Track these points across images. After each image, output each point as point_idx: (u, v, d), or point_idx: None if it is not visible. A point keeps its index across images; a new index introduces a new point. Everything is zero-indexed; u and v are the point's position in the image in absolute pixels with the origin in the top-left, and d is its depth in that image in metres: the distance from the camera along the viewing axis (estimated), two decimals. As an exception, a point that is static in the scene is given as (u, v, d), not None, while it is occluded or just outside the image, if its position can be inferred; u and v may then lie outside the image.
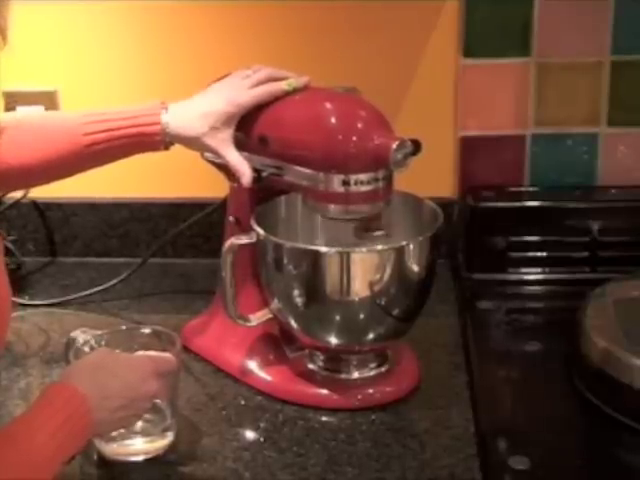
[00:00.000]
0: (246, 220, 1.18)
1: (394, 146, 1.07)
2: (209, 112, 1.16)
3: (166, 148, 1.19)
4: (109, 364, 0.99)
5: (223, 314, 1.18)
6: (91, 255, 1.58)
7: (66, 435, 0.89)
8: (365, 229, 1.14)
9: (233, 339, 1.24)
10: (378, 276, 1.11)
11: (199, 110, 1.17)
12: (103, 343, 1.10)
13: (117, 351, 1.06)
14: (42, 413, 0.90)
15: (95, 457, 1.08)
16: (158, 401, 1.08)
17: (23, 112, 1.49)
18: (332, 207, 1.12)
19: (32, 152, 1.17)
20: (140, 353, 1.08)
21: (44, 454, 0.87)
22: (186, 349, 1.23)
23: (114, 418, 0.97)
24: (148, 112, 1.17)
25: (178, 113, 1.17)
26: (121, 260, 1.53)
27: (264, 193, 1.20)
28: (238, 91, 1.17)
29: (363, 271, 1.12)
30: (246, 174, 1.16)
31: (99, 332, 1.13)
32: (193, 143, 1.18)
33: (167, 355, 1.06)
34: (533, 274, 1.43)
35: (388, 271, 1.11)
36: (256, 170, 1.17)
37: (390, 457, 1.06)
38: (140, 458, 1.07)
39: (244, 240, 1.15)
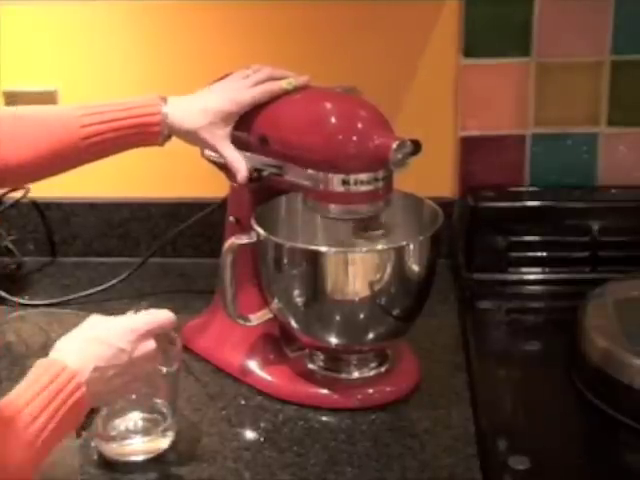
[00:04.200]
0: (246, 220, 1.18)
1: (394, 146, 1.07)
2: (209, 108, 1.16)
3: (163, 142, 1.18)
4: (99, 333, 0.97)
5: (223, 314, 1.18)
6: (91, 255, 1.58)
7: (56, 410, 0.88)
8: (364, 229, 1.14)
9: (233, 339, 1.24)
10: (378, 276, 1.11)
11: (199, 105, 1.17)
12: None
13: (109, 317, 1.02)
14: (29, 389, 0.89)
15: (95, 457, 1.08)
16: (158, 401, 1.09)
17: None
18: (332, 207, 1.12)
19: (29, 145, 1.15)
20: (131, 313, 1.03)
21: (33, 430, 0.86)
22: (186, 349, 1.23)
23: (111, 387, 0.95)
24: (147, 103, 1.17)
25: (178, 106, 1.17)
26: (121, 260, 1.53)
27: (264, 193, 1.20)
28: (238, 90, 1.17)
29: (363, 271, 1.12)
30: (241, 171, 1.16)
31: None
32: (190, 136, 1.17)
33: (163, 311, 1.02)
34: (533, 274, 1.43)
35: (388, 271, 1.11)
36: (257, 170, 1.17)
37: (390, 457, 1.06)
38: (140, 458, 1.07)
39: (244, 240, 1.15)
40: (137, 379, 1.00)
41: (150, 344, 0.99)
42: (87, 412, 0.94)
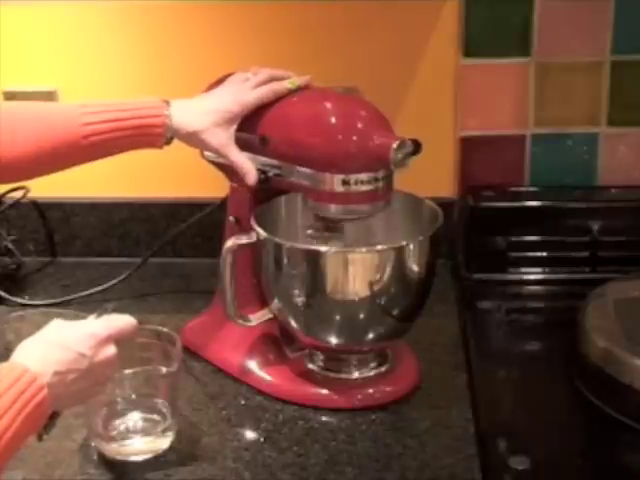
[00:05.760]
0: (246, 220, 1.18)
1: (394, 146, 1.07)
2: (214, 109, 1.16)
3: (165, 145, 1.18)
4: (60, 338, 0.96)
5: (223, 314, 1.18)
6: (91, 255, 1.58)
7: (19, 411, 0.87)
8: (324, 228, 1.14)
9: (233, 339, 1.24)
10: (378, 276, 1.11)
11: (203, 107, 1.16)
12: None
13: (71, 322, 1.00)
14: None
15: (95, 457, 1.08)
16: (158, 401, 1.09)
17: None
18: (332, 207, 1.12)
19: (27, 140, 1.13)
20: (92, 318, 1.02)
21: None
22: (186, 349, 1.22)
23: (71, 391, 0.94)
24: (151, 105, 1.16)
25: (182, 108, 1.16)
26: (121, 260, 1.53)
27: (264, 193, 1.20)
28: (242, 91, 1.17)
29: (363, 271, 1.12)
30: (251, 172, 1.16)
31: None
32: (194, 139, 1.17)
33: (124, 316, 1.01)
34: (533, 274, 1.43)
35: (388, 271, 1.11)
36: (262, 171, 1.17)
37: (390, 457, 1.06)
38: (140, 458, 1.07)
39: (244, 240, 1.15)
40: (98, 384, 0.98)
41: (111, 349, 0.98)
42: (48, 415, 0.93)
